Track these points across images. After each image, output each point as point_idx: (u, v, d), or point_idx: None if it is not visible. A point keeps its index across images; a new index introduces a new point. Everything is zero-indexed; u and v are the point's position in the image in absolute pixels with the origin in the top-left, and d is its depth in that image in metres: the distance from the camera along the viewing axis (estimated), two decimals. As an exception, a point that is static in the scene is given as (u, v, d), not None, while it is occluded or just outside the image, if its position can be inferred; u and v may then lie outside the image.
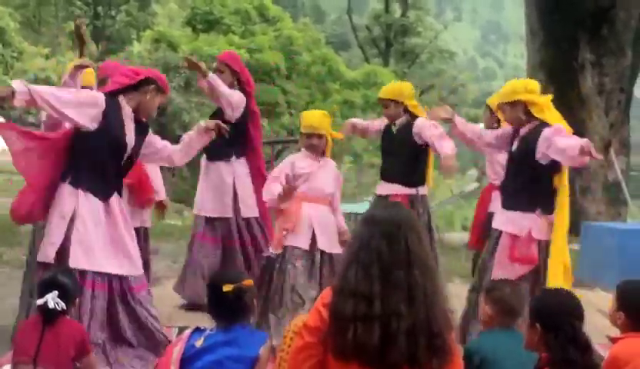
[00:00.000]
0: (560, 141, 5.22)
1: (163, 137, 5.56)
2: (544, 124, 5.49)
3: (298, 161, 6.18)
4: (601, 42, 14.43)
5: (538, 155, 5.36)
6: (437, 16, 63.58)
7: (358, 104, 27.44)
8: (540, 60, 15.18)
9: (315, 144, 6.14)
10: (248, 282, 3.75)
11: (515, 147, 5.59)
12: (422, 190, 6.71)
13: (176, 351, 3.67)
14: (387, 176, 6.84)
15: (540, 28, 15.15)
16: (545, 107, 5.68)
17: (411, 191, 6.62)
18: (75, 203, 4.84)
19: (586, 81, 14.42)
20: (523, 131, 5.58)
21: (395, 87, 6.97)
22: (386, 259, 2.83)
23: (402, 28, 40.21)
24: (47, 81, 22.99)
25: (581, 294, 4.49)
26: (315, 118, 6.27)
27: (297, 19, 34.35)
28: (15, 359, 4.03)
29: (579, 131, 14.10)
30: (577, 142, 5.10)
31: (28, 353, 3.95)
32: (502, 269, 5.33)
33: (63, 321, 4.08)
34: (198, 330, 3.76)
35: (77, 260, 4.76)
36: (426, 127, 6.39)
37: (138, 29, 36.01)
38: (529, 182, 5.40)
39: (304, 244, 5.91)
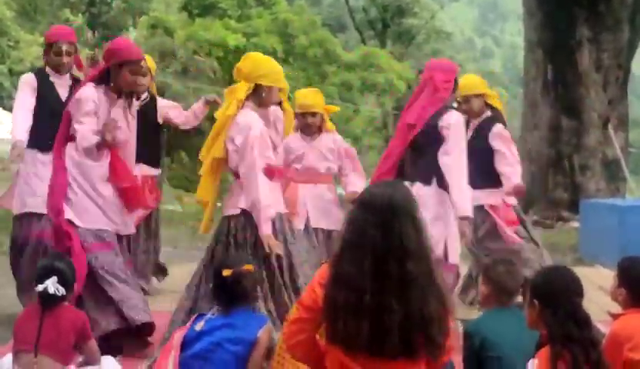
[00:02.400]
0: (502, 161, 6.30)
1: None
2: (492, 118, 6.47)
3: (291, 142, 6.22)
4: (599, 19, 14.37)
5: (489, 144, 6.32)
6: (433, -4, 63.26)
7: (355, 86, 27.41)
8: (537, 38, 15.13)
9: (310, 123, 6.16)
10: (248, 267, 3.76)
11: (470, 136, 6.13)
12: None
13: (178, 336, 3.70)
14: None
15: (537, 6, 15.09)
16: (495, 99, 6.64)
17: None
18: None
19: (584, 57, 14.37)
20: (476, 122, 6.49)
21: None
22: (379, 250, 2.79)
23: (399, 8, 40.04)
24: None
25: (581, 271, 4.51)
26: (307, 96, 6.28)
27: (293, 2, 34.23)
28: (16, 348, 4.03)
29: (577, 108, 14.28)
30: (512, 181, 6.21)
31: (29, 341, 3.95)
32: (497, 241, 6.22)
33: (62, 308, 4.08)
34: (200, 315, 3.79)
35: None
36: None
37: (134, 15, 35.90)
38: (486, 163, 6.20)
39: (299, 224, 5.91)
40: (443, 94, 5.46)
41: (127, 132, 5.20)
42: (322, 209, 6.12)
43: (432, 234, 4.20)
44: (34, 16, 37.22)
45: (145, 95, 6.31)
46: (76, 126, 4.99)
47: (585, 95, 14.35)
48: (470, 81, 6.59)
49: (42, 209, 5.42)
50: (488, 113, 6.51)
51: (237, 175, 5.10)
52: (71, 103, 5.13)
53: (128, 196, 5.17)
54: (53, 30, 6.44)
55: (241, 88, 5.09)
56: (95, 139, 4.91)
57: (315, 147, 6.17)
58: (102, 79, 5.09)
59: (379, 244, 2.79)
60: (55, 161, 5.15)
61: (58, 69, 6.02)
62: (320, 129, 6.23)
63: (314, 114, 6.14)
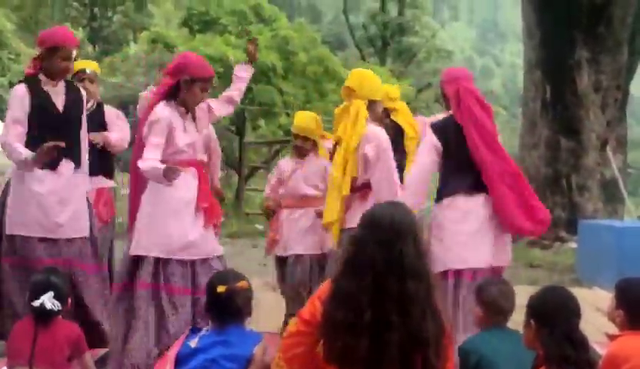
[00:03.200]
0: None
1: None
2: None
3: (282, 164, 6.42)
4: (598, 40, 14.42)
5: None
6: (434, 15, 63.50)
7: (355, 104, 27.35)
8: (537, 58, 15.18)
9: (299, 146, 6.19)
10: (242, 284, 3.75)
11: None
12: None
13: (172, 351, 3.69)
14: None
15: (536, 27, 15.15)
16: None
17: None
18: None
19: (582, 78, 14.41)
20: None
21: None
22: (380, 268, 2.79)
23: (399, 27, 40.17)
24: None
25: (578, 292, 4.50)
26: (302, 119, 6.29)
27: (293, 19, 34.29)
28: (10, 363, 4.01)
29: (576, 129, 14.29)
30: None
31: (23, 355, 3.93)
32: None
33: (56, 321, 4.07)
34: (193, 331, 3.78)
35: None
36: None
37: (135, 30, 35.98)
38: None
39: (280, 251, 6.18)
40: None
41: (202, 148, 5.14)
42: (297, 234, 6.09)
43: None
44: (34, 29, 37.30)
45: (90, 103, 6.20)
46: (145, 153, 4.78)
47: (583, 116, 14.38)
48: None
49: (37, 232, 5.10)
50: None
51: (356, 189, 5.19)
52: (146, 124, 4.88)
53: (210, 214, 5.01)
54: (58, 32, 5.56)
55: (359, 106, 5.18)
56: (160, 168, 4.64)
57: (300, 170, 6.18)
58: (171, 95, 4.95)
59: (380, 262, 2.79)
60: (133, 184, 5.04)
61: (63, 75, 5.35)
62: (312, 152, 6.22)
63: (305, 139, 6.14)
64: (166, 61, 25.17)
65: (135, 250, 4.75)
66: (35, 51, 5.51)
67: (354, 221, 4.78)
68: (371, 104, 5.27)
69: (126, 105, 25.41)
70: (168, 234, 4.69)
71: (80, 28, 35.51)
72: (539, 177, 14.70)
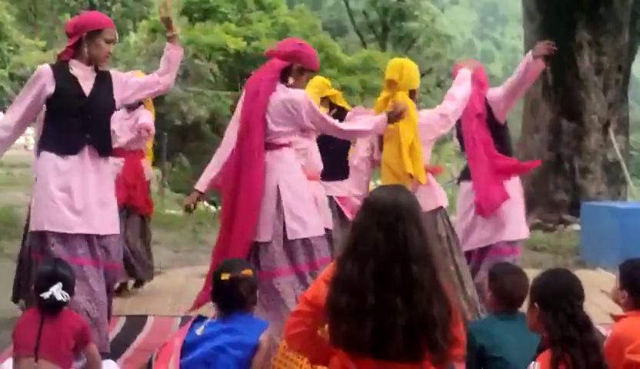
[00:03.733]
0: None
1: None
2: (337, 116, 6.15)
3: None
4: (599, 22, 14.37)
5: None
6: (433, 0, 63.35)
7: (355, 90, 27.39)
8: (537, 41, 15.03)
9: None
10: (247, 272, 3.76)
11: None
12: None
13: (178, 339, 3.70)
14: None
15: (537, 9, 15.10)
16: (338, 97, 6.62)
17: None
18: None
19: (584, 60, 14.38)
20: None
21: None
22: (383, 252, 2.78)
23: (399, 12, 40.08)
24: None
25: (582, 274, 4.52)
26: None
27: (293, 6, 34.23)
28: (16, 353, 4.03)
29: (578, 111, 14.27)
30: None
31: (29, 346, 3.94)
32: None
33: (62, 312, 4.08)
34: (199, 319, 3.80)
35: None
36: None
37: (134, 19, 35.90)
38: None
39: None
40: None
41: None
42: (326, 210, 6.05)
43: None
44: (34, 21, 37.24)
45: None
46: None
47: (585, 98, 14.35)
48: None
49: (72, 228, 4.80)
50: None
51: None
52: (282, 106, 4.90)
53: None
54: (97, 15, 5.39)
55: (404, 98, 5.37)
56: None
57: (314, 145, 6.15)
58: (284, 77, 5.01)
59: (383, 247, 2.79)
60: (254, 172, 4.90)
61: (105, 58, 5.04)
62: None
63: None
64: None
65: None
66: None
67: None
68: (412, 94, 5.48)
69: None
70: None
71: (79, 19, 35.40)
72: (542, 160, 14.68)
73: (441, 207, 5.60)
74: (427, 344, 2.78)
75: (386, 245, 2.78)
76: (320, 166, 6.08)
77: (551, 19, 14.72)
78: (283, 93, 4.86)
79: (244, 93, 5.04)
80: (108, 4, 37.94)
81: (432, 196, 5.54)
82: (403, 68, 5.53)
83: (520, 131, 15.72)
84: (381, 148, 5.64)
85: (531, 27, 15.37)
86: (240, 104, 5.05)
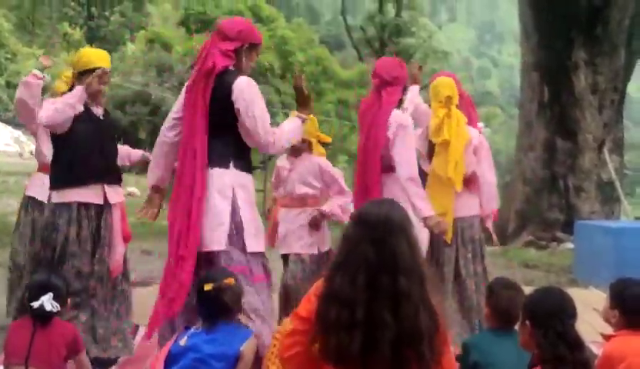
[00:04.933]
0: None
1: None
2: None
3: (279, 162, 6.37)
4: (595, 42, 14.45)
5: None
6: (431, 16, 63.59)
7: (352, 104, 27.45)
8: (534, 59, 15.20)
9: (297, 147, 6.02)
10: (229, 281, 3.74)
11: None
12: None
13: (163, 350, 3.68)
14: None
15: (534, 28, 15.18)
16: None
17: None
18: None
19: (580, 80, 14.44)
20: None
21: None
22: (373, 265, 2.78)
23: (396, 28, 40.13)
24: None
25: (575, 292, 4.52)
26: None
27: (291, 19, 34.32)
28: (7, 361, 4.01)
29: (573, 130, 14.32)
30: None
31: (20, 354, 3.93)
32: None
33: (53, 322, 4.06)
34: (185, 329, 3.78)
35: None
36: None
37: (132, 30, 35.97)
38: None
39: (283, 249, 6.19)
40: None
41: None
42: (292, 233, 6.07)
43: None
44: (32, 29, 37.27)
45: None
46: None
47: (580, 117, 14.41)
48: None
49: None
50: None
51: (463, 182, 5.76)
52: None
53: None
54: (252, 27, 4.75)
55: (457, 112, 5.83)
56: None
57: (295, 170, 6.13)
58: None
59: (372, 260, 2.79)
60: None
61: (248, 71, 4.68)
62: (307, 150, 6.20)
63: (303, 140, 5.95)
64: (164, 60, 25.17)
65: None
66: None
67: (464, 210, 5.77)
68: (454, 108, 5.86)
69: (124, 105, 25.43)
70: None
71: (77, 28, 35.48)
72: (536, 178, 14.73)
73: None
74: (413, 357, 2.77)
75: (376, 258, 2.79)
76: (297, 191, 6.13)
77: (548, 38, 14.79)
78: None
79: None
80: (106, 14, 38.03)
81: (474, 201, 5.89)
82: (453, 85, 5.95)
83: (514, 148, 15.76)
84: (430, 158, 5.91)
85: (528, 45, 15.45)
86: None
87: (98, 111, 5.33)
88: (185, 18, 26.93)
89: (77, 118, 5.11)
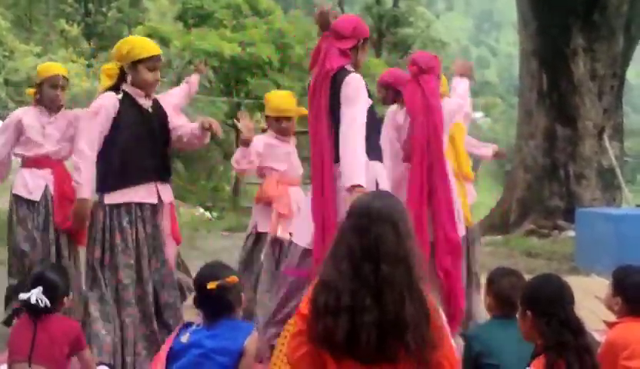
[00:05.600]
0: None
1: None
2: None
3: (268, 139, 6.01)
4: (593, 28, 14.42)
5: None
6: (428, 6, 63.47)
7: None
8: (533, 47, 15.17)
9: (285, 127, 6.01)
10: (232, 279, 3.73)
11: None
12: None
13: (164, 349, 3.68)
14: None
15: (532, 16, 15.14)
16: None
17: None
18: None
19: (579, 67, 14.42)
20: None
21: None
22: (356, 253, 2.82)
23: (394, 18, 40.10)
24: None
25: (577, 280, 4.54)
26: (282, 100, 6.17)
27: (288, 12, 34.23)
28: (10, 358, 4.02)
29: (573, 117, 14.31)
30: None
31: (23, 352, 3.94)
32: None
33: (55, 318, 4.06)
34: (186, 326, 3.77)
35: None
36: None
37: (130, 25, 35.88)
38: None
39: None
40: None
41: None
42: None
43: None
44: (29, 26, 37.20)
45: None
46: None
47: (580, 104, 14.39)
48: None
49: None
50: None
51: None
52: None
53: None
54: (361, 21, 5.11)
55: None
56: None
57: (294, 151, 6.10)
58: None
59: (355, 247, 2.82)
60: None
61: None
62: (294, 133, 6.16)
63: (289, 119, 6.00)
64: (162, 55, 24.99)
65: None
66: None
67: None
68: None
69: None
70: None
71: (75, 25, 35.41)
72: (537, 166, 14.72)
73: None
74: (399, 345, 2.77)
75: (359, 246, 2.82)
76: (300, 170, 6.08)
77: (546, 26, 14.76)
78: None
79: None
80: (104, 10, 37.95)
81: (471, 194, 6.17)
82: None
83: (515, 137, 15.74)
84: None
85: (526, 33, 15.41)
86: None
87: (147, 102, 5.05)
88: (183, 13, 26.81)
89: (124, 114, 4.90)
